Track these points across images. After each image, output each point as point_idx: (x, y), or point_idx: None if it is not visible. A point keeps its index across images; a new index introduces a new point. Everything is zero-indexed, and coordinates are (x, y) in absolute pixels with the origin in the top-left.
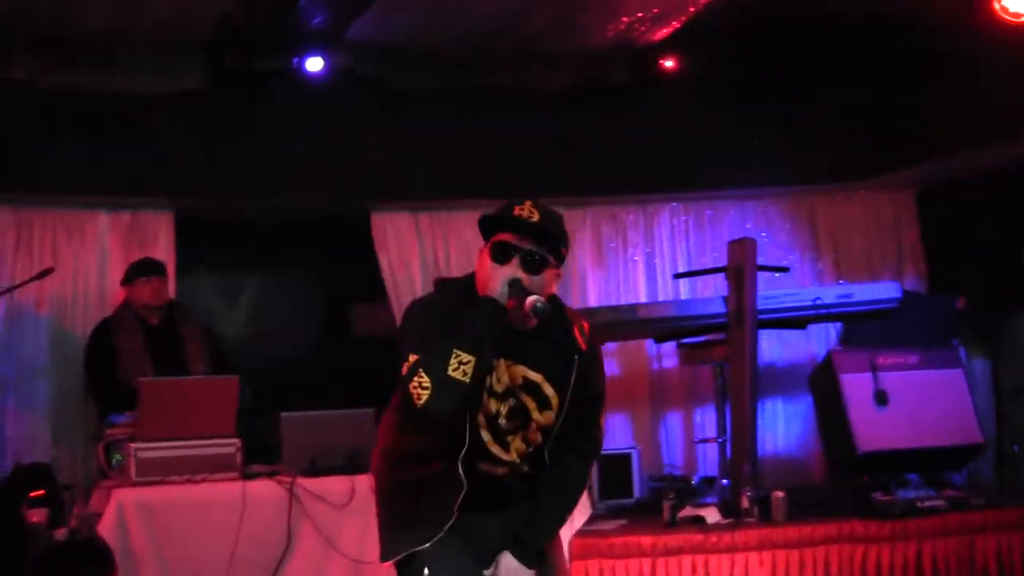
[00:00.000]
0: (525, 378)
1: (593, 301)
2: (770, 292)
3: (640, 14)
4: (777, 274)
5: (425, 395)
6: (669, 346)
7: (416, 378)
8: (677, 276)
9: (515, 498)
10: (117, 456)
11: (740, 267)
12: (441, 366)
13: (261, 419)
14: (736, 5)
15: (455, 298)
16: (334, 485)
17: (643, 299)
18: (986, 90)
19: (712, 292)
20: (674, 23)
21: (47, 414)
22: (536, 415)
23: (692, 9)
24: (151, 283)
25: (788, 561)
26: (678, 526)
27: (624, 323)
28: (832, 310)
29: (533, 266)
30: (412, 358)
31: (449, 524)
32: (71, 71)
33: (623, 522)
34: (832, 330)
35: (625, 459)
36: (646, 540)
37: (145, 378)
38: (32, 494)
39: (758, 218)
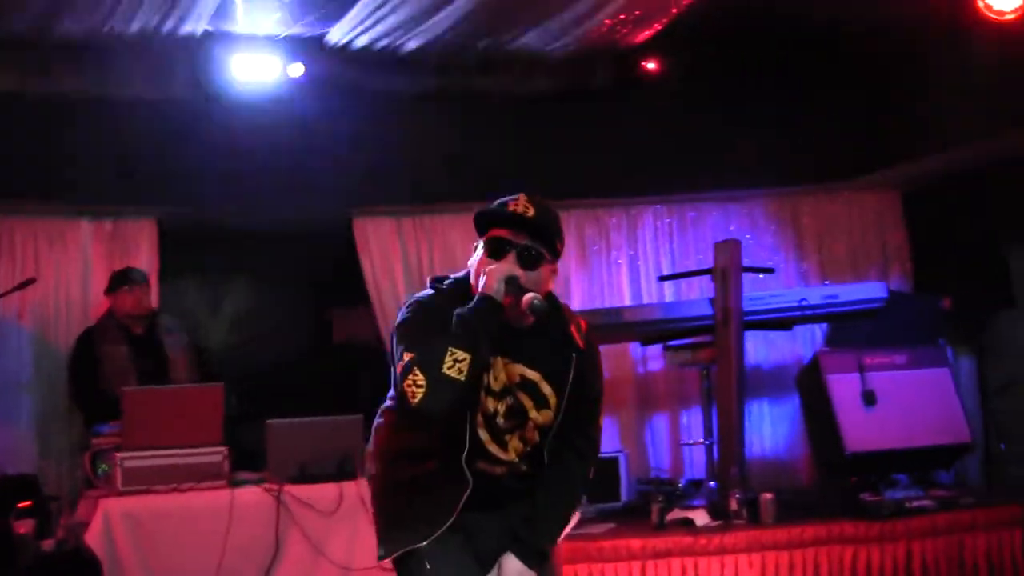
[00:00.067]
0: (522, 376)
1: (577, 304)
2: (756, 293)
3: (622, 16)
4: (762, 275)
5: (420, 393)
6: (654, 349)
7: (411, 376)
8: (662, 279)
9: (514, 497)
10: (103, 466)
11: (726, 269)
12: (436, 364)
13: (246, 426)
14: (718, 7)
15: (450, 296)
16: (322, 492)
17: (627, 302)
18: (968, 89)
19: (697, 294)
20: (656, 25)
21: (31, 425)
22: (534, 414)
23: (674, 11)
24: (134, 292)
25: (778, 563)
26: (667, 529)
27: (609, 326)
28: (818, 311)
29: (529, 261)
30: (407, 356)
31: (449, 522)
32: (53, 77)
33: (611, 525)
34: (818, 331)
35: (612, 463)
36: (635, 543)
37: (129, 387)
38: (19, 505)
39: (742, 220)
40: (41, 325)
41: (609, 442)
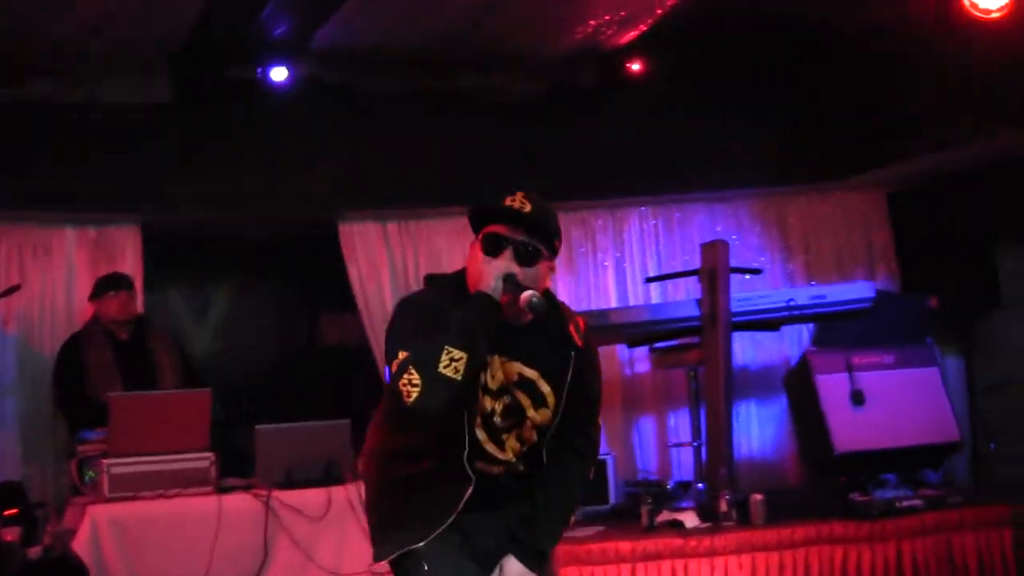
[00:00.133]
0: (520, 375)
1: None
2: (743, 294)
3: (607, 17)
4: (748, 276)
5: (415, 392)
6: (641, 351)
7: (406, 375)
8: (649, 280)
9: (511, 497)
10: (90, 472)
11: (713, 269)
12: (432, 363)
13: (231, 432)
14: (703, 7)
15: (446, 294)
16: (310, 497)
17: (614, 304)
18: (955, 89)
19: (683, 295)
20: (641, 26)
21: (16, 432)
22: (531, 413)
23: (659, 11)
24: (119, 297)
25: (768, 564)
26: (656, 531)
27: (596, 328)
28: (806, 311)
29: (526, 258)
30: (402, 355)
31: (448, 522)
32: (34, 84)
33: (600, 528)
34: (805, 331)
35: (600, 465)
36: (624, 546)
37: (115, 393)
38: (5, 512)
39: (728, 220)
40: (26, 332)
41: None
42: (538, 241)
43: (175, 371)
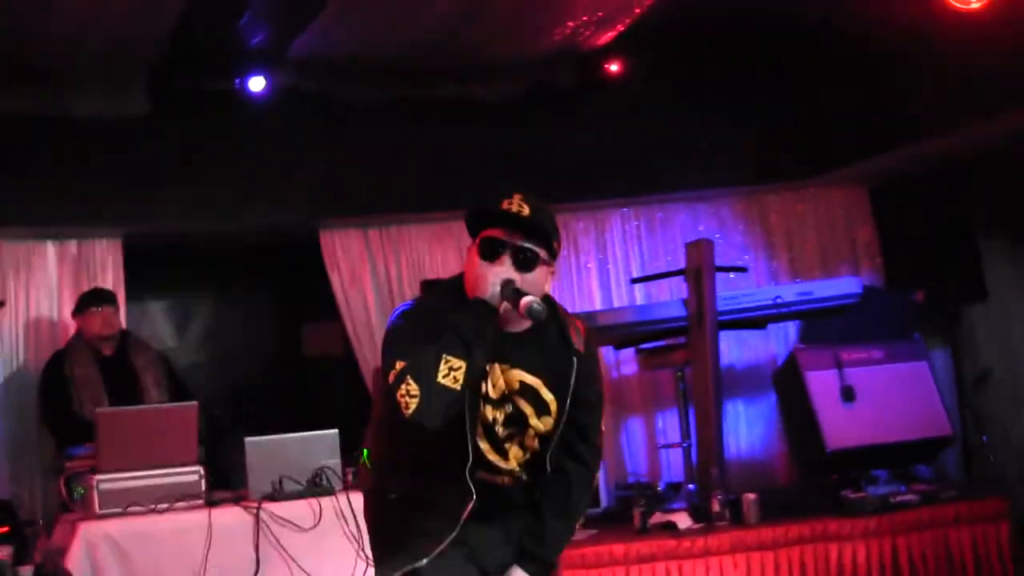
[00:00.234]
0: (522, 382)
1: None
2: (729, 293)
3: (585, 18)
4: (732, 275)
5: (414, 403)
6: (627, 352)
7: (404, 386)
8: (634, 281)
9: (516, 507)
10: (79, 489)
11: (698, 268)
12: (430, 373)
13: (216, 445)
14: (680, 7)
15: (443, 300)
16: (301, 508)
17: (598, 306)
18: (934, 82)
19: (667, 296)
20: (618, 26)
21: (3, 450)
22: (534, 421)
23: (637, 11)
24: (102, 313)
25: (763, 563)
26: (649, 533)
27: None
28: (793, 308)
29: (525, 263)
30: (399, 365)
31: (451, 537)
32: (11, 99)
33: (593, 532)
34: (791, 329)
35: None
36: (618, 548)
37: (102, 409)
38: None
39: (710, 220)
40: (9, 349)
41: None
42: (537, 245)
43: (160, 385)
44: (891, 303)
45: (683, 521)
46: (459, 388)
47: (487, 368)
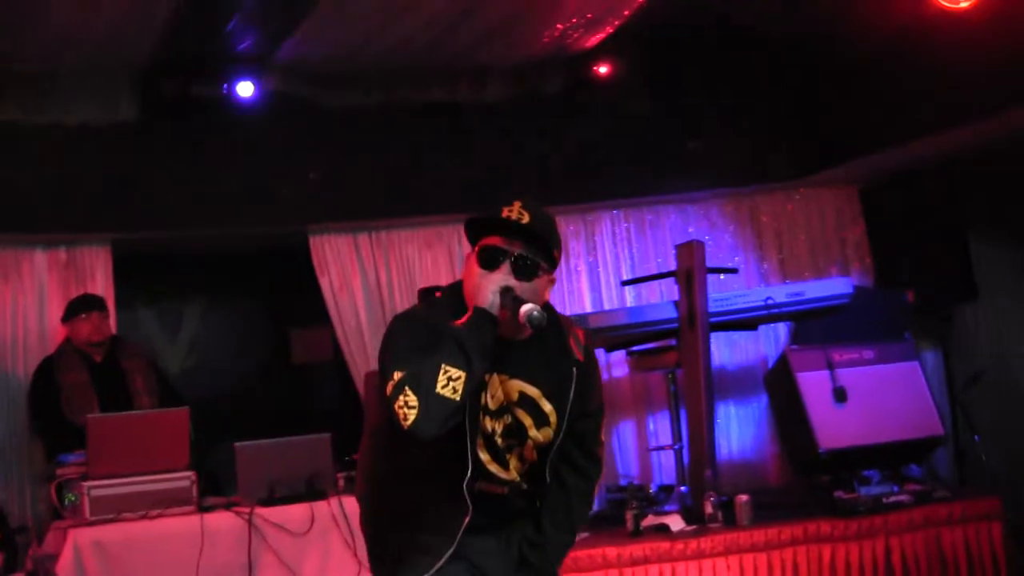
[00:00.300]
0: (522, 393)
1: None
2: (720, 294)
3: (574, 20)
4: (722, 276)
5: (412, 415)
6: (618, 355)
7: (402, 397)
8: (625, 283)
9: (517, 516)
10: (70, 496)
11: (689, 270)
12: (429, 383)
13: (208, 451)
14: (668, 9)
15: (441, 309)
16: (293, 513)
17: (588, 309)
18: (924, 82)
19: (657, 298)
20: (608, 28)
21: None
22: (533, 432)
23: (627, 12)
24: (91, 319)
25: (756, 565)
26: (643, 535)
27: None
28: (784, 309)
29: (525, 271)
30: (397, 375)
31: (449, 552)
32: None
33: (585, 535)
34: (782, 329)
35: None
36: (611, 551)
37: (93, 415)
38: None
39: (700, 221)
40: None
41: None
42: (537, 253)
43: (151, 391)
44: (882, 303)
45: (676, 523)
46: (458, 399)
47: (486, 378)
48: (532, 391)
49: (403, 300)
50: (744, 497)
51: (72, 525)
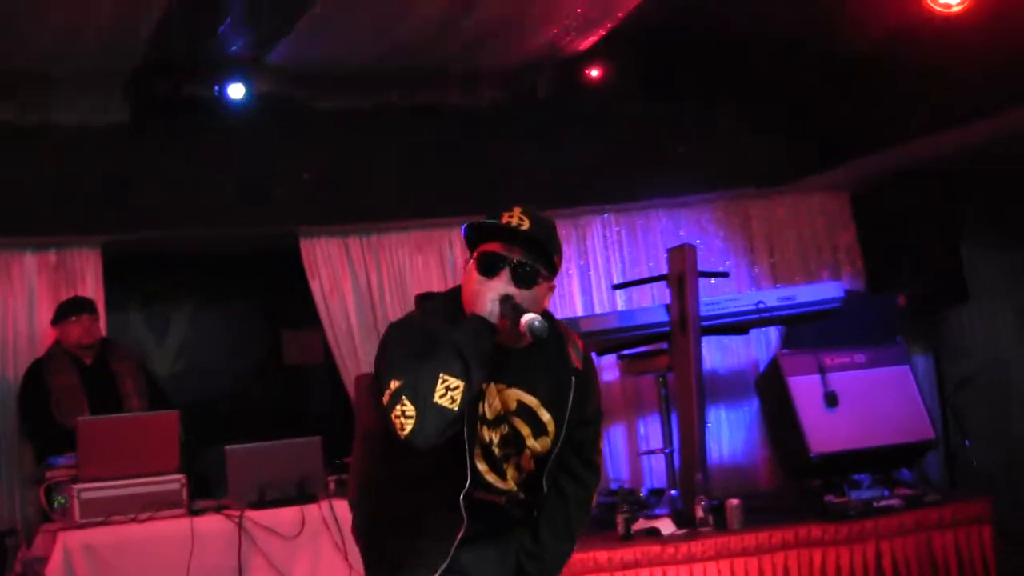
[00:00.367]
0: (520, 402)
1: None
2: (711, 298)
3: (566, 23)
4: (713, 280)
5: (409, 424)
6: (609, 358)
7: (399, 406)
8: (617, 287)
9: (514, 526)
10: (59, 498)
11: (681, 274)
12: (426, 392)
13: (197, 454)
14: (660, 12)
15: (439, 316)
16: (283, 516)
17: (579, 312)
18: (915, 86)
19: (648, 302)
20: (600, 31)
21: None
22: (531, 442)
23: (620, 14)
24: (81, 322)
25: (747, 569)
26: (633, 539)
27: None
28: (776, 313)
29: (524, 279)
30: (394, 384)
31: (444, 565)
32: None
33: None
34: (773, 333)
35: None
36: (602, 555)
37: (83, 417)
38: None
39: (691, 226)
40: None
41: None
42: (537, 260)
43: (141, 393)
44: (873, 307)
45: (667, 527)
46: (457, 409)
47: (484, 388)
48: (530, 400)
49: (394, 304)
50: (735, 501)
51: (62, 528)
